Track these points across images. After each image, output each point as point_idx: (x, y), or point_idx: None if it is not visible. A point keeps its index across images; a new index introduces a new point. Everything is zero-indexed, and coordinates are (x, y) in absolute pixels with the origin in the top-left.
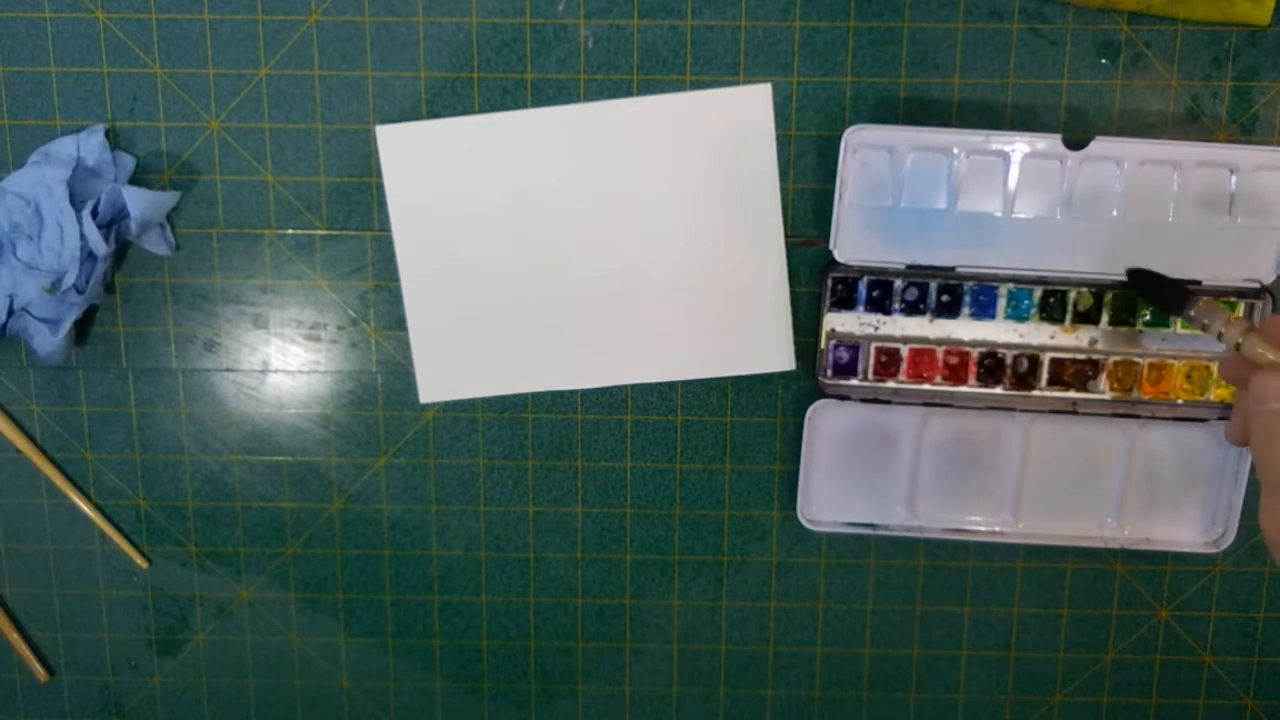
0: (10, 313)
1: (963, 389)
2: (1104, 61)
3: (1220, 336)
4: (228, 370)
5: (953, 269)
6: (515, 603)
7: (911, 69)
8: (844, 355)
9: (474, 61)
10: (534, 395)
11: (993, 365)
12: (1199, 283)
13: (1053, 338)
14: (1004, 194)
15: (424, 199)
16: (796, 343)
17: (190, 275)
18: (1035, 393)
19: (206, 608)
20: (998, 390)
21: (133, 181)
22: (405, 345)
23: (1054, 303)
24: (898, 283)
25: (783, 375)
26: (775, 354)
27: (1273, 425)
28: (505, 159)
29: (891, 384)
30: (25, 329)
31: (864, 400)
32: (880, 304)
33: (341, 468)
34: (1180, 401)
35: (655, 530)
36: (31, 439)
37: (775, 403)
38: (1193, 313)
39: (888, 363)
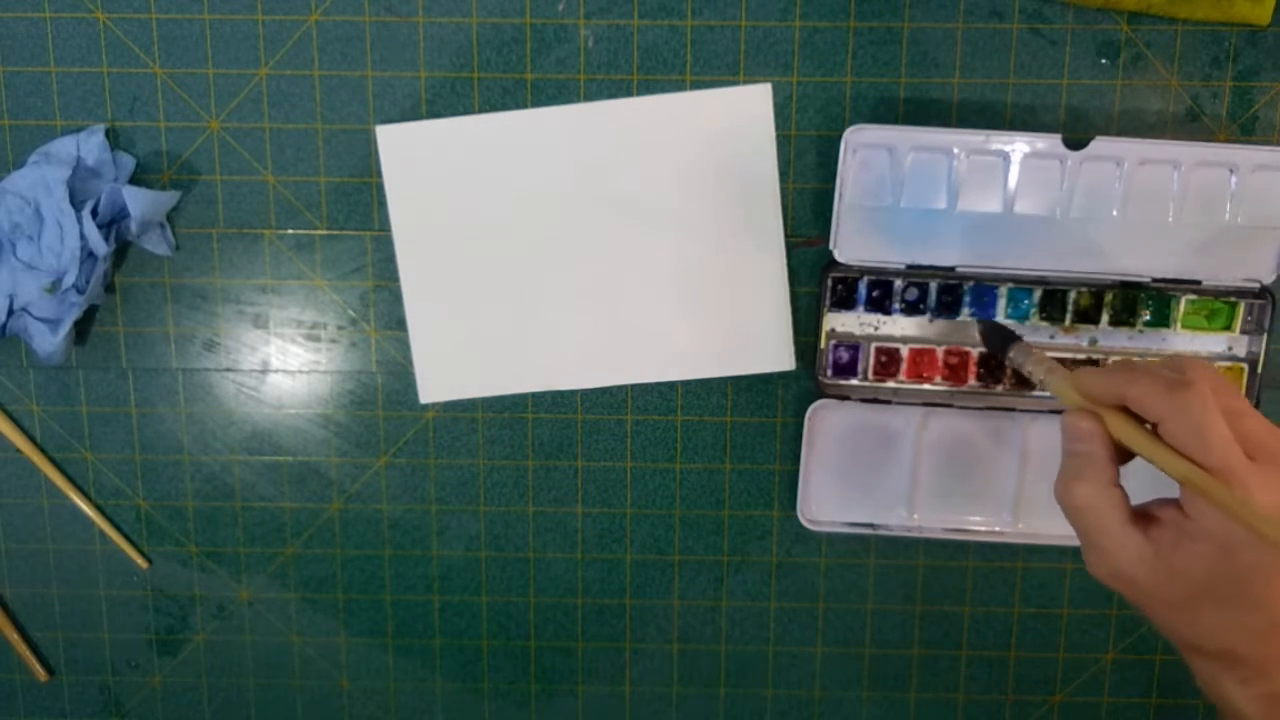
0: (10, 313)
1: (963, 389)
2: (1104, 61)
3: (1030, 374)
4: (228, 370)
5: (953, 269)
6: (515, 603)
7: (911, 69)
8: (844, 355)
9: (474, 61)
10: (534, 395)
11: (993, 365)
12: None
13: (1053, 338)
14: (1004, 194)
15: (424, 199)
16: (796, 343)
17: (190, 275)
18: (1035, 393)
19: (206, 608)
20: (998, 390)
21: (133, 181)
22: (405, 345)
23: (1054, 303)
24: (898, 283)
25: (783, 375)
26: (775, 354)
27: (1077, 466)
28: (505, 159)
29: (891, 384)
30: (25, 329)
31: (864, 400)
32: (880, 304)
33: (341, 468)
34: None
35: (655, 530)
36: (31, 439)
37: (775, 403)
38: (1011, 354)
39: (888, 363)
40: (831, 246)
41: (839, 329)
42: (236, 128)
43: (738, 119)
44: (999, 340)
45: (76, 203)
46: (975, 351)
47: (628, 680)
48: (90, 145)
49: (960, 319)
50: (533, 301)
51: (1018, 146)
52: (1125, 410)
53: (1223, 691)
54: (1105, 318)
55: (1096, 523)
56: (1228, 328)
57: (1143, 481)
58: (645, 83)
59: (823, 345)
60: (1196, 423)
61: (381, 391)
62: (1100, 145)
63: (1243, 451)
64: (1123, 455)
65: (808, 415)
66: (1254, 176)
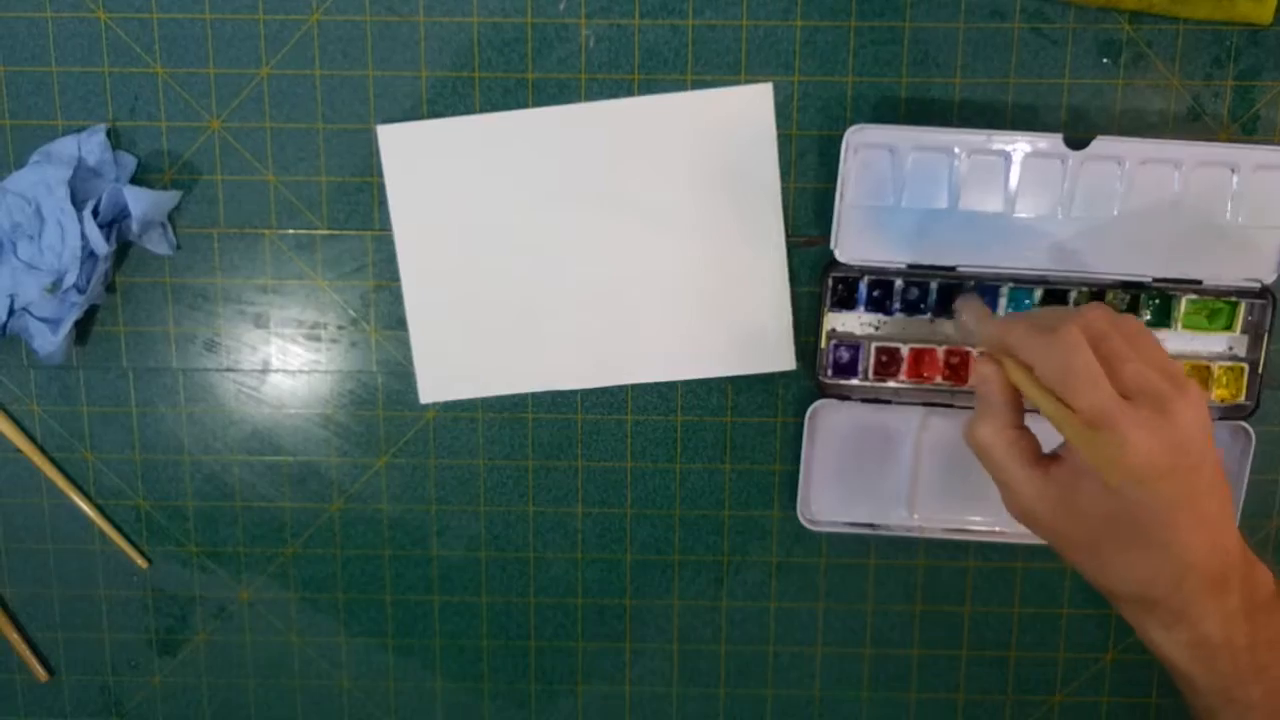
0: (11, 313)
1: (963, 389)
2: (1105, 61)
3: (965, 324)
4: (228, 370)
5: (953, 269)
6: (515, 603)
7: (912, 69)
8: (844, 355)
9: (475, 61)
10: (534, 395)
11: None
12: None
13: None
14: (1005, 194)
15: (424, 199)
16: (796, 343)
17: (191, 275)
18: None
19: (206, 608)
20: None
21: (134, 181)
22: (405, 345)
23: (1055, 303)
24: (898, 283)
25: (783, 375)
26: (775, 354)
27: (979, 409)
28: (506, 159)
29: (892, 384)
30: (25, 329)
31: (864, 400)
32: (880, 304)
33: (341, 468)
34: None
35: (655, 530)
36: (31, 439)
37: (775, 403)
38: (956, 303)
39: (888, 363)
40: (832, 246)
41: (839, 329)
42: (237, 127)
43: (738, 119)
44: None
45: (77, 202)
46: (975, 351)
47: (628, 680)
48: (91, 145)
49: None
50: (533, 302)
51: (1019, 146)
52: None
53: (1151, 638)
54: None
55: (996, 462)
56: (1228, 328)
57: None
58: (646, 82)
59: (823, 345)
60: (1062, 365)
61: (382, 391)
62: (1101, 145)
63: (1117, 392)
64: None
65: (808, 415)
66: (1255, 176)
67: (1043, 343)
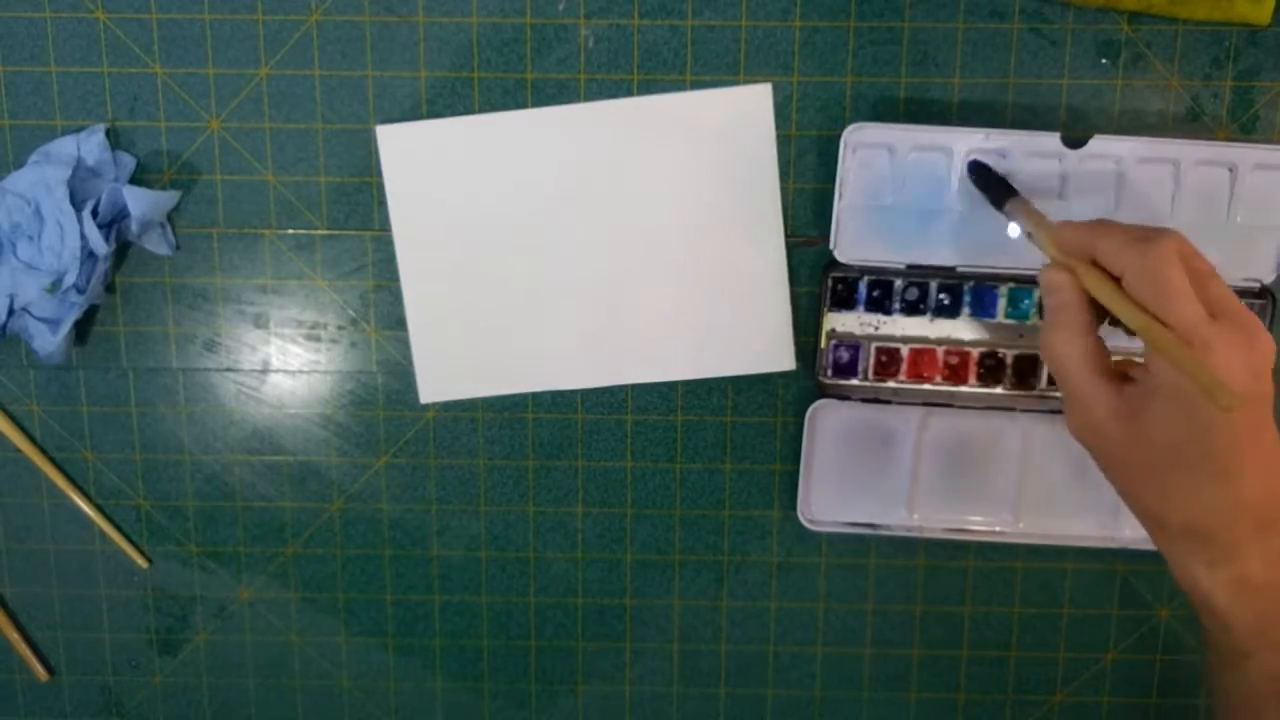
0: (10, 313)
1: (963, 389)
2: (1104, 61)
3: (1022, 228)
4: (228, 370)
5: (953, 269)
6: (515, 603)
7: (912, 69)
8: (844, 355)
9: (474, 61)
10: (534, 395)
11: (993, 365)
12: None
13: None
14: None
15: (424, 199)
16: (796, 343)
17: (190, 275)
18: (1035, 393)
19: (206, 608)
20: (998, 390)
21: (133, 181)
22: (405, 345)
23: None
24: (898, 282)
25: (783, 375)
26: (775, 354)
27: (1052, 318)
28: (505, 159)
29: (891, 384)
30: (25, 329)
31: (864, 400)
32: (880, 304)
33: (341, 468)
34: None
35: (655, 530)
36: (31, 439)
37: (775, 403)
38: (1007, 207)
39: (888, 363)
40: (831, 246)
41: (839, 329)
42: (237, 128)
43: (738, 119)
44: (996, 190)
45: (77, 203)
46: (975, 351)
47: (628, 680)
48: (90, 145)
49: (960, 319)
50: (533, 301)
51: (1017, 145)
52: (1099, 265)
53: (1192, 576)
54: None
55: (1070, 372)
56: None
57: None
58: (645, 83)
59: (823, 345)
60: (1157, 275)
61: (381, 391)
62: (1099, 144)
63: (1205, 310)
64: (1106, 316)
65: (808, 415)
66: (1254, 176)
67: (1138, 253)
